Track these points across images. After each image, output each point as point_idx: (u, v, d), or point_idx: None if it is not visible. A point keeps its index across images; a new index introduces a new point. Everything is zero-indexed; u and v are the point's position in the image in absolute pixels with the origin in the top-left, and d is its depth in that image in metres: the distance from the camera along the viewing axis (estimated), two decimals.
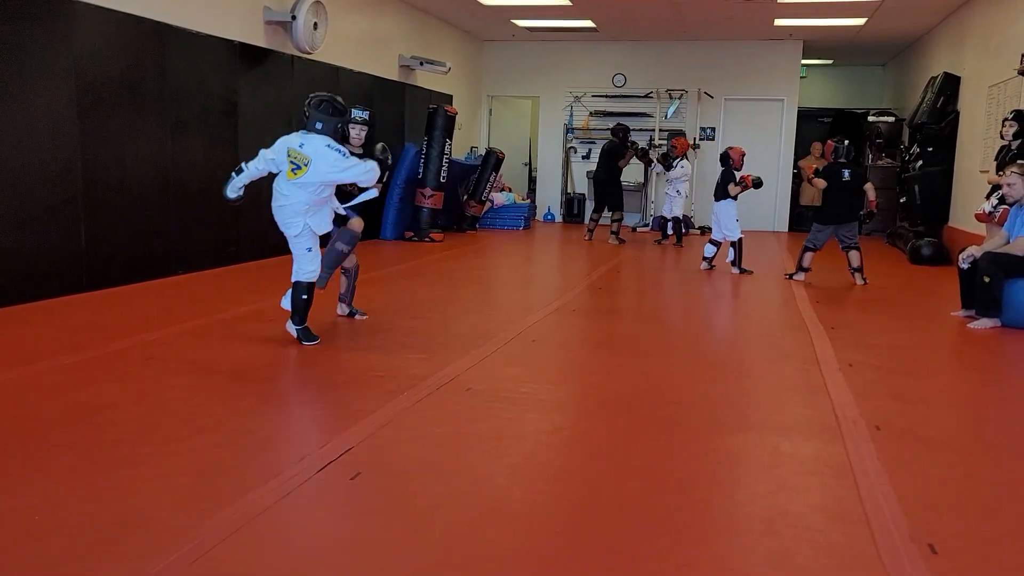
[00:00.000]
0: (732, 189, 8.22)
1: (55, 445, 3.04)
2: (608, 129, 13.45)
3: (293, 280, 4.63)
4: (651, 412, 3.70)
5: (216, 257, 7.45)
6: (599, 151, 11.54)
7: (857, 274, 7.71)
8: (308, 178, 4.46)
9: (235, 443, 3.10)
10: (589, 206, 13.74)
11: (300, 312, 4.65)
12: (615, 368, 4.53)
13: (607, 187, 11.19)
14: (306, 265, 4.61)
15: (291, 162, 4.49)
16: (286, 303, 4.70)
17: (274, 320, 5.34)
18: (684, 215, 12.93)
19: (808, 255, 7.83)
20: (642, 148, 11.72)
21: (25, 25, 5.49)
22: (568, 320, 5.80)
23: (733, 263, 8.25)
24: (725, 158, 8.40)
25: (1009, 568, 2.29)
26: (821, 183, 7.81)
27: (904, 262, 9.65)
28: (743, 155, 8.44)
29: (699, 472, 2.99)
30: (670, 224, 11.19)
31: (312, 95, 4.66)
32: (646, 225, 13.25)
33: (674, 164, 10.97)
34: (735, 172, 8.29)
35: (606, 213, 11.19)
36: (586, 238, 11.29)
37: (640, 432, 3.39)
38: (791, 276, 7.89)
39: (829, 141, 8.18)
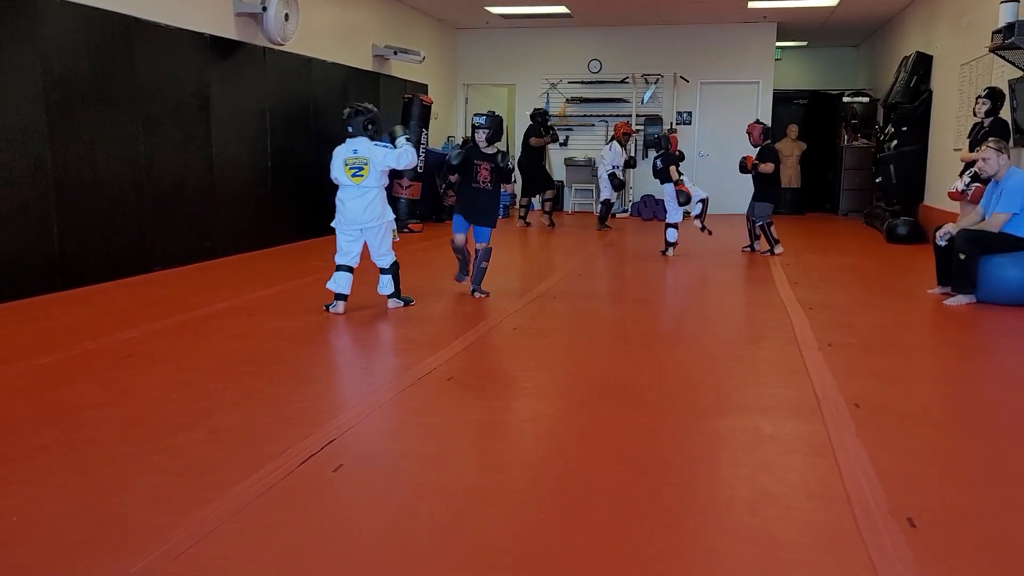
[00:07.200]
0: (674, 173, 8.39)
1: (33, 446, 3.01)
2: (586, 116, 13.54)
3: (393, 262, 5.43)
4: (633, 396, 3.71)
5: (193, 253, 7.39)
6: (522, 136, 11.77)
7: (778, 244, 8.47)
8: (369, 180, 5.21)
9: (216, 439, 3.08)
10: (568, 193, 13.79)
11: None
12: (596, 353, 4.54)
13: (529, 171, 11.42)
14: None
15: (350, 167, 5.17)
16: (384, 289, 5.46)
17: (253, 314, 5.32)
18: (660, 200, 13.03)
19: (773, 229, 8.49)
20: (555, 129, 12.01)
21: None
22: (549, 306, 5.80)
23: (664, 249, 8.43)
24: (665, 143, 8.59)
25: (986, 540, 2.32)
26: (770, 166, 8.30)
27: (881, 241, 9.74)
28: (677, 141, 8.78)
29: (681, 455, 3.00)
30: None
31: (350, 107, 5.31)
32: (625, 211, 13.28)
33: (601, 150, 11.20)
34: (673, 156, 8.46)
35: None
36: (518, 224, 11.44)
37: (622, 416, 3.40)
38: (772, 252, 8.39)
39: (756, 124, 8.52)
